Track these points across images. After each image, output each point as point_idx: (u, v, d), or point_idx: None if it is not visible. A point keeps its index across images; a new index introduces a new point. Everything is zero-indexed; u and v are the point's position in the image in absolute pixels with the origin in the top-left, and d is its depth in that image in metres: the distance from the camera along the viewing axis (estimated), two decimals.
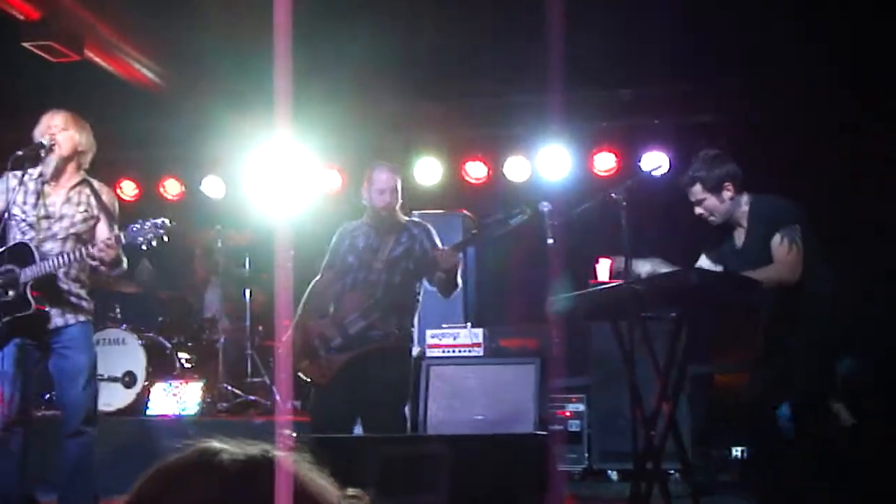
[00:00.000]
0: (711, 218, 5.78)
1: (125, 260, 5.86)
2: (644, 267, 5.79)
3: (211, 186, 10.78)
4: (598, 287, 5.73)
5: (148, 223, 5.66)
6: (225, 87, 9.45)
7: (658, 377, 5.53)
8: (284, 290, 6.43)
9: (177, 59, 9.32)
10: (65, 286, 5.77)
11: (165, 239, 5.72)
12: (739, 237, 5.78)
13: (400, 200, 6.61)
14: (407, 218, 6.69)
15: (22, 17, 7.91)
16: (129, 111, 9.45)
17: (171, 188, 10.95)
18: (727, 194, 5.71)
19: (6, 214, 5.75)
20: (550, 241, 5.75)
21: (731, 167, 5.75)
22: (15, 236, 5.72)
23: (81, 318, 5.82)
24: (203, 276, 10.31)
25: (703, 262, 5.91)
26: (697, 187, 5.75)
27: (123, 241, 5.60)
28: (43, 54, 8.17)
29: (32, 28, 7.98)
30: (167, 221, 5.68)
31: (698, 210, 5.79)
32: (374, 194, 6.57)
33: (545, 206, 5.85)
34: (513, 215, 6.14)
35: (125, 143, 10.04)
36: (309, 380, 6.37)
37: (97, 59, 8.73)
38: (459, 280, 6.47)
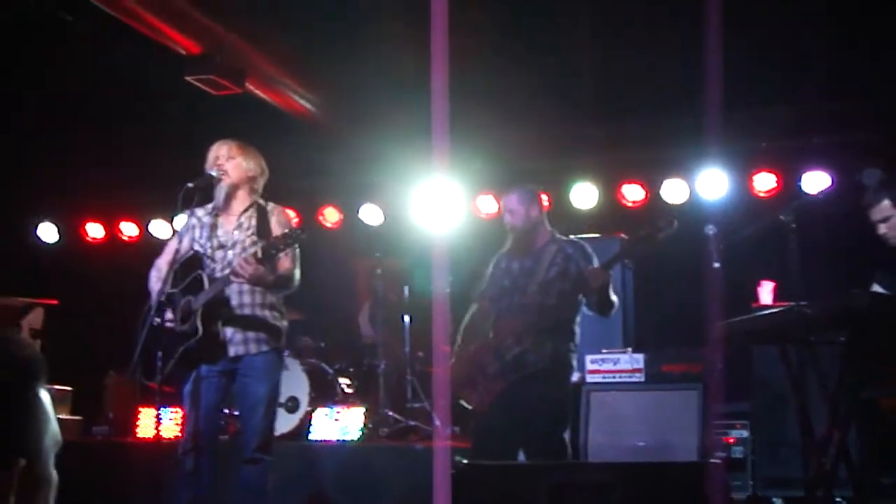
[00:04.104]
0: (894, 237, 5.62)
1: (288, 279, 5.91)
2: None
3: (369, 214, 10.93)
4: (765, 310, 5.61)
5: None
6: (383, 116, 9.56)
7: (826, 402, 5.40)
8: (442, 317, 6.48)
9: (335, 91, 9.49)
10: (247, 312, 5.87)
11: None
12: None
13: (536, 221, 6.56)
14: (563, 238, 6.64)
15: (184, 52, 8.15)
16: (288, 141, 9.64)
17: (330, 216, 11.14)
18: None
19: (193, 253, 5.92)
20: (717, 264, 5.64)
21: None
22: (201, 272, 5.87)
23: (265, 347, 5.88)
24: (363, 300, 10.44)
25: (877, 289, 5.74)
26: (886, 203, 5.59)
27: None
28: (205, 88, 8.40)
29: (195, 62, 8.21)
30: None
31: (882, 229, 5.63)
32: (504, 216, 6.63)
33: (711, 230, 5.74)
34: (660, 228, 6.02)
35: (285, 172, 10.22)
36: (470, 407, 6.38)
37: (258, 92, 8.94)
38: (614, 297, 6.37)
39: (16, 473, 1.63)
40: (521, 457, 6.35)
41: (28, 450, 1.66)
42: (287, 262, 5.84)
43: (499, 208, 10.22)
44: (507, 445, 6.23)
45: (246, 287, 5.83)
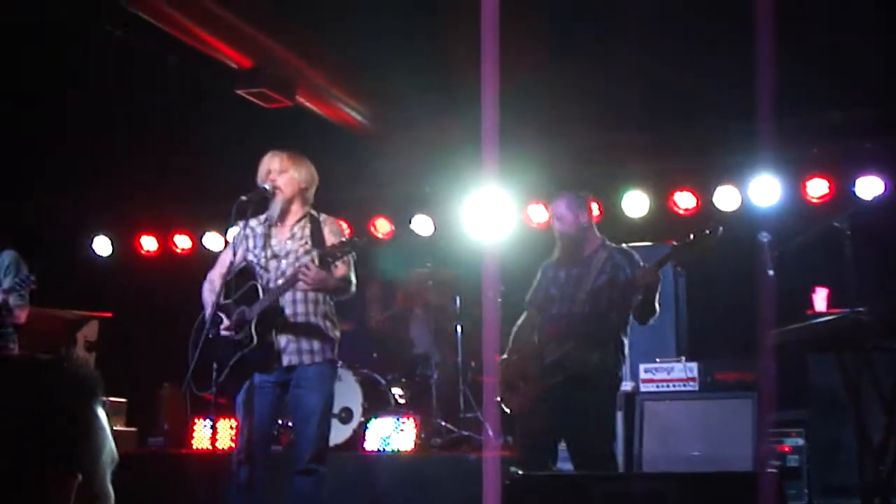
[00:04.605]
0: None
1: (347, 283, 5.94)
2: None
3: (420, 224, 10.93)
4: (821, 317, 5.56)
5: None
6: (433, 126, 9.58)
7: (882, 409, 5.35)
8: (492, 326, 6.49)
9: (385, 102, 9.51)
10: (301, 321, 5.90)
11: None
12: None
13: (586, 227, 6.54)
14: (613, 245, 6.62)
15: (235, 66, 8.21)
16: (339, 153, 9.68)
17: (382, 227, 11.15)
18: None
19: (246, 264, 5.97)
20: (770, 272, 5.60)
21: None
22: (255, 282, 5.91)
23: (318, 358, 5.89)
24: (404, 306, 10.42)
25: None
26: None
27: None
28: (256, 101, 8.46)
29: (246, 76, 8.28)
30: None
31: None
32: (553, 223, 6.61)
33: (765, 237, 5.70)
34: (707, 234, 5.98)
35: (336, 183, 10.29)
36: (509, 410, 6.40)
37: (308, 104, 8.99)
38: (658, 306, 6.32)
39: (72, 490, 1.65)
40: (565, 465, 6.35)
41: (85, 466, 1.68)
42: (343, 268, 5.88)
43: (549, 217, 10.21)
44: (543, 447, 6.24)
45: (300, 296, 5.87)
